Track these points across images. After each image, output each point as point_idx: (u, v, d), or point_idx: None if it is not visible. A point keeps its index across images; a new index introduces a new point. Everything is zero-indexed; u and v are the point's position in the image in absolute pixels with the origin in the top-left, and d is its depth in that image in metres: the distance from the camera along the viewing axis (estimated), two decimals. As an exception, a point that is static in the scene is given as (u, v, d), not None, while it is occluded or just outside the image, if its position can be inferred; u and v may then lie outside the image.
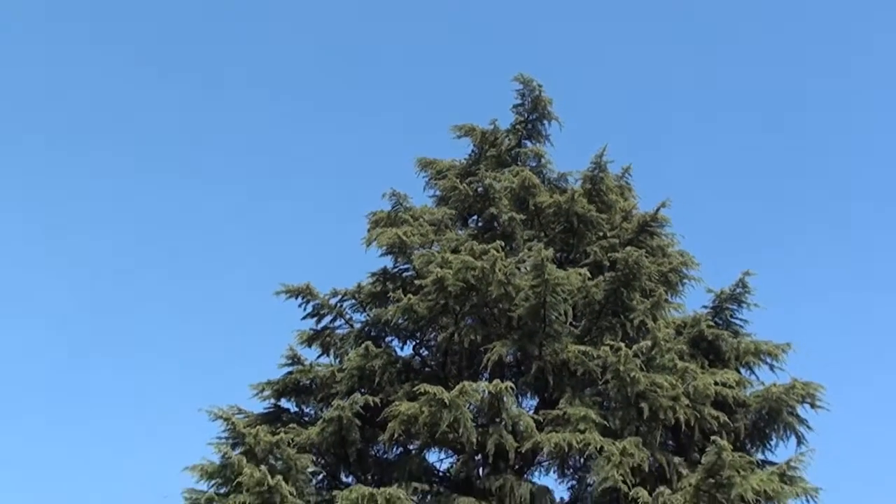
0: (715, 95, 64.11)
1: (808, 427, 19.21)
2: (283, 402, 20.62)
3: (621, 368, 18.09)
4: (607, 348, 18.65)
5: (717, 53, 64.56)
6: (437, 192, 22.99)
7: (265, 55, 66.24)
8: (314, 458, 18.95)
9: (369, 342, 19.66)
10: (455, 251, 20.14)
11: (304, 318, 21.37)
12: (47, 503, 49.61)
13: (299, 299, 21.19)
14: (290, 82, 66.02)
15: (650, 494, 16.68)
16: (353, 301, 21.39)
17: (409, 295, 19.82)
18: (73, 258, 59.62)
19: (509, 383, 18.33)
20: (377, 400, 18.88)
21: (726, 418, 18.59)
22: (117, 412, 55.38)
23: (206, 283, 60.67)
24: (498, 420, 18.31)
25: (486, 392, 18.20)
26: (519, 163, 22.98)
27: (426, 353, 20.98)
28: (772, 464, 18.80)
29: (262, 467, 17.54)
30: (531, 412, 19.16)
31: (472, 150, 23.49)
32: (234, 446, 18.62)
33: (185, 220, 61.21)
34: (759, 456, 19.21)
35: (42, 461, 52.03)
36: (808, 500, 18.00)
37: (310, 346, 21.15)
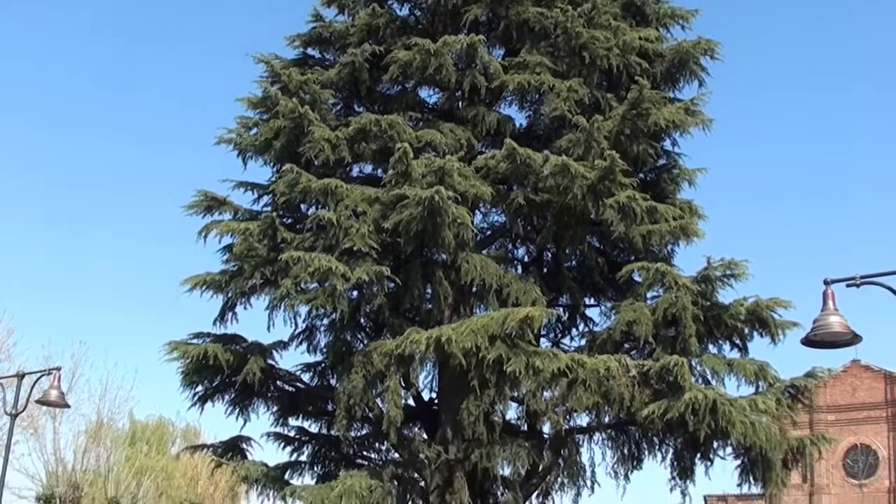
0: None
1: (708, 74, 19.19)
2: (310, 51, 20.29)
3: (568, 25, 17.95)
4: (558, 10, 18.38)
5: None
6: None
7: None
8: (334, 93, 19.02)
9: (375, 4, 19.18)
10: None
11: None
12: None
13: (320, -31, 20.47)
14: None
15: (587, 121, 16.97)
16: (363, -27, 20.69)
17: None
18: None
19: (482, 37, 18.19)
20: (381, 49, 18.73)
21: (647, 65, 18.55)
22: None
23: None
24: (473, 65, 18.28)
25: (465, 43, 18.09)
26: None
27: (419, 13, 20.50)
28: (680, 100, 18.87)
29: (294, 99, 17.69)
30: (499, 59, 19.09)
31: None
32: (272, 83, 18.65)
33: None
34: (671, 94, 19.28)
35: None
36: (704, 129, 18.44)
37: (329, 6, 20.47)
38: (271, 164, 18.88)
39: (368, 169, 19.21)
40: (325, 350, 18.87)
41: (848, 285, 11.27)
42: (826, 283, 11.46)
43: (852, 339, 11.48)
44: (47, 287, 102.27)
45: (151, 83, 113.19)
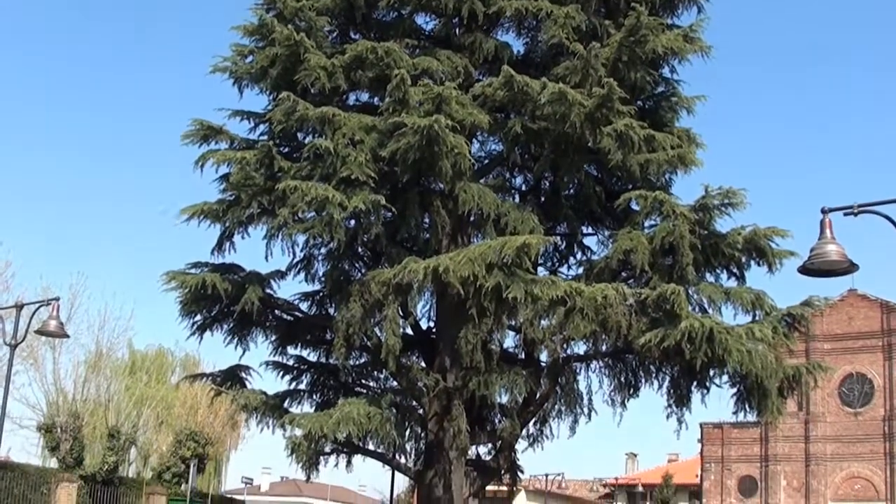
0: None
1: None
2: (304, -24, 20.04)
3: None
4: (556, -66, 18.14)
5: None
6: None
7: None
8: (329, 20, 18.74)
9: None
10: None
11: None
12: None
13: None
14: None
15: (585, 48, 16.81)
16: None
17: None
18: None
19: (480, -39, 17.98)
20: (377, -26, 18.49)
21: (645, -13, 18.35)
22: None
23: None
24: (470, -11, 18.07)
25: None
26: None
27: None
28: (678, 27, 18.64)
29: (290, 26, 17.49)
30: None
31: None
32: (267, 10, 18.42)
33: None
34: (669, 21, 19.02)
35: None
36: (703, 55, 18.29)
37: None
38: (267, 92, 18.74)
39: (365, 97, 19.11)
40: (323, 279, 18.96)
41: (845, 214, 11.27)
42: (823, 211, 11.47)
43: (849, 267, 11.52)
44: (44, 219, 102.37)
45: (146, 12, 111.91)
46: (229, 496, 43.64)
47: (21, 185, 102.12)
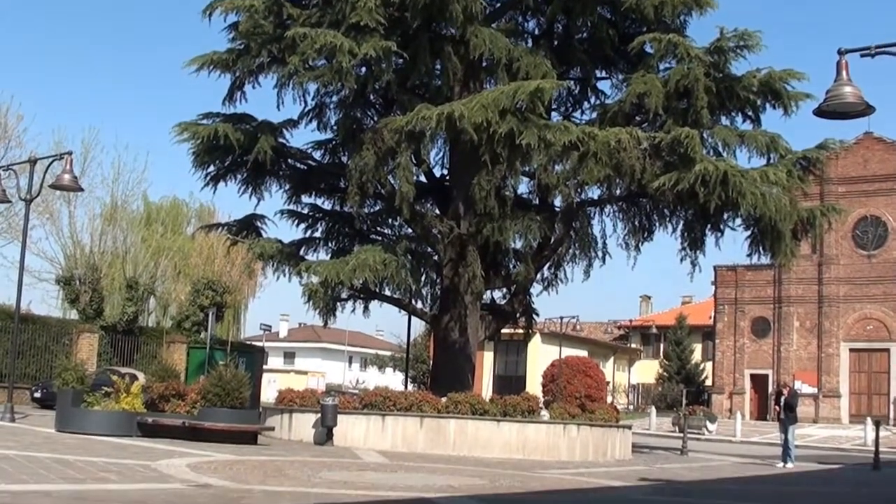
0: None
1: None
2: None
3: None
4: None
5: None
6: None
7: None
8: None
9: None
10: None
11: None
12: None
13: None
14: None
15: None
16: None
17: None
18: None
19: None
20: None
21: None
22: None
23: None
24: None
25: None
26: None
27: None
28: None
29: None
30: None
31: None
32: None
33: None
34: None
35: None
36: None
37: None
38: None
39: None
40: (335, 127, 19.04)
41: (862, 55, 11.12)
42: (840, 53, 11.31)
43: (865, 109, 11.41)
44: (55, 73, 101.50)
45: None
46: (249, 342, 44.70)
47: (30, 40, 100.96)
